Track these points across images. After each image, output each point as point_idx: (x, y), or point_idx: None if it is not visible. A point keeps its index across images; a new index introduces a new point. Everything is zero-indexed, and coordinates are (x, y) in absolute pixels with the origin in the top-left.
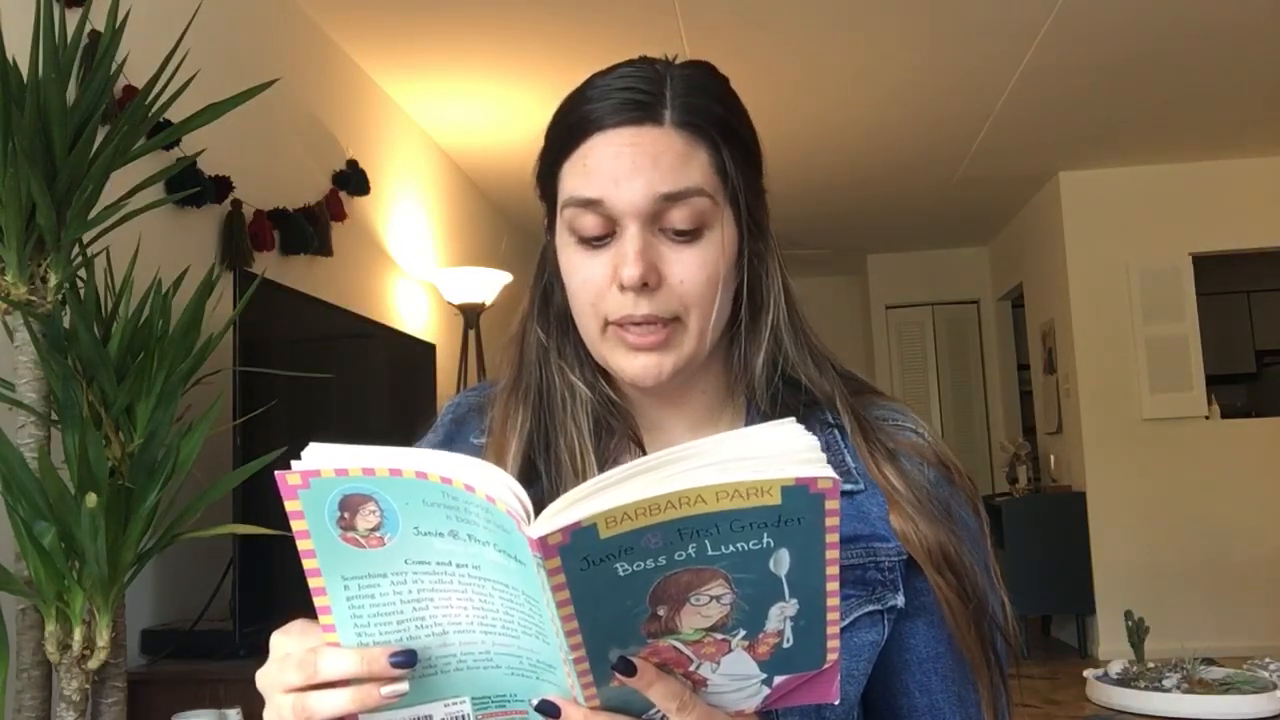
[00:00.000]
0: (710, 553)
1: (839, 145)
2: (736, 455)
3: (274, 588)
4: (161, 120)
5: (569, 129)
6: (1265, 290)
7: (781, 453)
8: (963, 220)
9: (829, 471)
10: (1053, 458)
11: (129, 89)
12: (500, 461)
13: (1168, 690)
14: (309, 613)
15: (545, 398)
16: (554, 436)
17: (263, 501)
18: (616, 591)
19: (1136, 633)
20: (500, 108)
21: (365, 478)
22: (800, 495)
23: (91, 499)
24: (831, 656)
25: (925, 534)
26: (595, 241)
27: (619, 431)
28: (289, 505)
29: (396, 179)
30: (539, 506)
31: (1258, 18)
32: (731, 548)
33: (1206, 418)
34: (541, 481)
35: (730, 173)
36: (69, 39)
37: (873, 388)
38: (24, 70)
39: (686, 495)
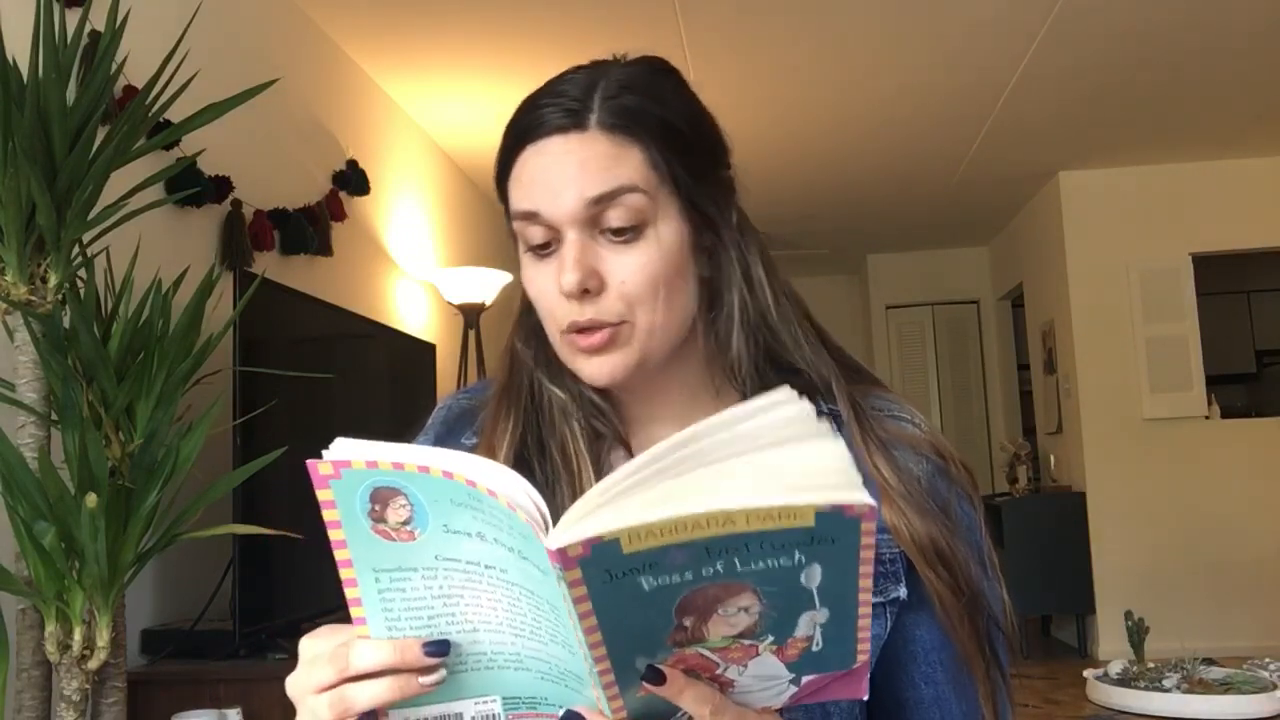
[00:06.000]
0: (739, 569)
1: (839, 144)
2: (749, 436)
3: (274, 588)
4: (161, 120)
5: (507, 145)
6: (1265, 290)
7: (793, 437)
8: (963, 220)
9: (865, 497)
10: (1053, 458)
11: (129, 89)
12: None
13: (1168, 690)
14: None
15: (535, 401)
16: (547, 439)
17: (263, 501)
18: (640, 604)
19: (1136, 633)
20: (500, 108)
21: (395, 471)
22: (835, 519)
23: (91, 499)
24: (862, 658)
25: (916, 528)
26: (542, 250)
27: (606, 433)
28: (321, 495)
29: (396, 179)
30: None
31: (1258, 18)
32: (761, 564)
33: (1206, 418)
34: (536, 481)
35: (663, 168)
36: (69, 39)
37: (872, 377)
38: (24, 70)
39: (716, 517)
